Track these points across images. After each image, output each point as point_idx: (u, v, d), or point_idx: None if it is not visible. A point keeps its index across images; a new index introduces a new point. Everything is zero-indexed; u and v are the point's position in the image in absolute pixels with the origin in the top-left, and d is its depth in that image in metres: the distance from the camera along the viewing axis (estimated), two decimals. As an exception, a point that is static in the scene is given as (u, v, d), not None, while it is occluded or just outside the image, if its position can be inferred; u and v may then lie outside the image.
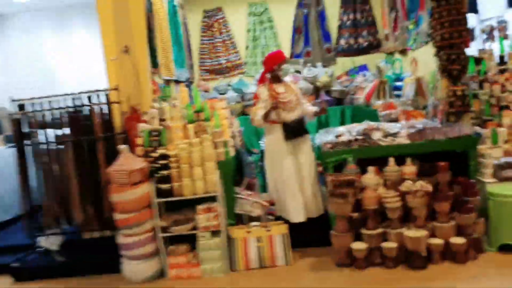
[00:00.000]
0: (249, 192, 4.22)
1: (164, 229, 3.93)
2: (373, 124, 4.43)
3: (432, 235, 3.68)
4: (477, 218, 3.76)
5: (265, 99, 4.20)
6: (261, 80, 4.38)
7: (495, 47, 5.52)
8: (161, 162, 3.88)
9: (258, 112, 4.21)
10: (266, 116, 4.17)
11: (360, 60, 6.93)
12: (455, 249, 3.61)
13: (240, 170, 4.60)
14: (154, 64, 5.03)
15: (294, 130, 4.13)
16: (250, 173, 4.62)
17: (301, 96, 4.33)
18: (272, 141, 4.25)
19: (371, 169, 3.86)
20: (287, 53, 7.03)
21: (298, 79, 6.39)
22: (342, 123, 6.04)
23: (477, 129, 4.38)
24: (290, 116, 4.17)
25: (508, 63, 4.72)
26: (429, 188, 3.69)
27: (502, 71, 4.66)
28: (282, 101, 4.15)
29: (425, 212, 3.70)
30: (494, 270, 3.48)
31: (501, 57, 4.84)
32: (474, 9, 6.37)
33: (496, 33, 6.56)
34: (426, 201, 3.68)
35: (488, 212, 3.82)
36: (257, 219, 4.07)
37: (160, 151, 3.92)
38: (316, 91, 6.51)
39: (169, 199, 3.93)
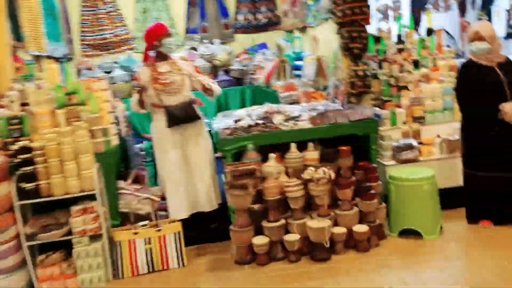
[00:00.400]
0: (137, 187, 3.69)
1: (31, 237, 3.26)
2: (274, 106, 4.11)
3: (335, 223, 3.49)
4: (379, 204, 3.64)
5: (145, 80, 3.65)
6: (145, 59, 3.81)
7: (391, 26, 5.49)
8: (23, 156, 3.18)
9: (135, 96, 3.66)
10: (141, 102, 3.64)
11: (259, 37, 6.59)
12: (358, 237, 3.45)
13: (127, 161, 4.02)
14: (18, 37, 4.20)
15: (178, 116, 3.60)
16: (138, 164, 4.07)
17: (194, 74, 3.80)
18: (157, 128, 3.73)
19: (272, 156, 3.53)
20: (181, 27, 6.46)
21: (194, 57, 5.88)
22: (243, 105, 5.69)
23: (377, 110, 4.27)
24: (174, 99, 3.64)
25: (406, 42, 4.67)
26: (332, 174, 3.47)
27: (400, 51, 4.59)
28: (163, 82, 3.62)
29: (328, 200, 3.48)
30: (397, 257, 3.37)
31: (399, 36, 4.78)
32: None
33: (390, 13, 6.63)
34: (329, 189, 3.46)
35: (389, 196, 3.72)
36: (146, 217, 3.56)
37: (22, 142, 3.22)
38: (214, 70, 6.05)
39: (36, 200, 3.25)
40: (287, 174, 3.56)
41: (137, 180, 3.76)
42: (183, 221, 3.60)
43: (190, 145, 3.73)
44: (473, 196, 3.71)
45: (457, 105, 3.87)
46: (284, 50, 5.26)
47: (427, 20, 5.55)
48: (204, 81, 3.76)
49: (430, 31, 4.94)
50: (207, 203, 3.77)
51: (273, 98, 4.84)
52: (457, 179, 3.94)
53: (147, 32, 3.76)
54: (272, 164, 3.48)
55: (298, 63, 5.41)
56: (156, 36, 3.65)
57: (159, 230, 3.44)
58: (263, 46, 6.38)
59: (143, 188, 3.72)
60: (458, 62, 4.63)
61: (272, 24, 6.57)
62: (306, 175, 3.47)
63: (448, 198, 3.90)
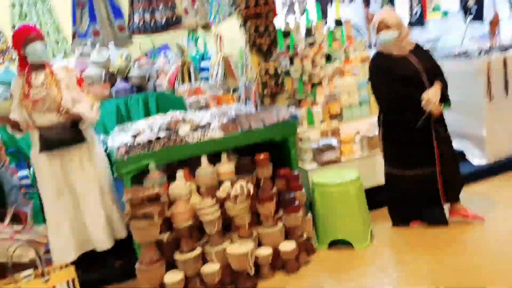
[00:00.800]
0: (17, 228, 3.00)
1: None
2: (179, 115, 3.60)
3: (259, 244, 3.08)
4: (305, 215, 3.28)
5: (17, 95, 2.99)
6: (20, 68, 3.11)
7: (299, 19, 5.22)
8: None
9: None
10: (12, 124, 2.99)
11: (160, 39, 6.00)
12: (285, 256, 3.06)
13: (2, 197, 3.28)
14: None
15: (51, 139, 2.95)
16: (19, 199, 3.35)
17: (77, 91, 3.15)
18: (34, 154, 3.08)
19: (180, 174, 3.03)
20: (69, 32, 5.68)
21: (85, 64, 5.16)
22: (147, 114, 5.09)
23: (293, 110, 3.94)
24: (49, 118, 2.98)
25: (315, 35, 4.38)
26: (251, 188, 3.05)
27: (310, 45, 4.30)
28: (34, 98, 2.95)
29: (249, 218, 3.05)
30: (329, 274, 3.03)
31: (308, 30, 4.49)
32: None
33: (296, 6, 6.37)
34: (249, 205, 3.03)
35: (314, 205, 3.39)
36: (30, 265, 2.88)
37: None
38: (110, 78, 5.37)
39: None
40: (200, 193, 3.08)
41: (16, 219, 3.06)
42: (79, 262, 2.98)
43: (74, 172, 3.08)
44: (397, 196, 3.48)
45: (374, 100, 3.61)
46: (186, 51, 4.75)
47: (334, 11, 5.35)
48: (74, 108, 3.03)
49: (338, 22, 4.72)
50: (101, 240, 3.15)
51: (180, 104, 4.34)
52: (380, 178, 3.72)
53: (12, 37, 3.08)
54: (180, 184, 2.98)
55: (203, 64, 4.95)
56: (19, 42, 2.98)
57: (47, 280, 2.78)
58: (165, 48, 5.82)
59: (25, 228, 3.04)
60: (370, 53, 4.45)
61: (172, 23, 5.98)
62: (221, 192, 3.01)
63: (374, 198, 3.67)
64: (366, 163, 3.88)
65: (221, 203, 3.00)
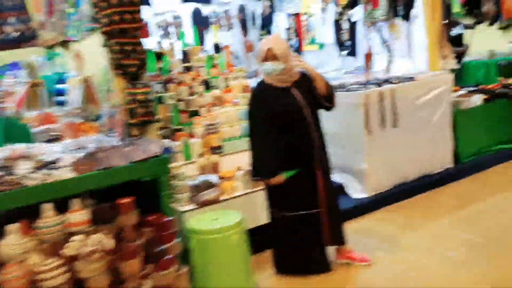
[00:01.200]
0: None
1: None
2: (20, 148, 2.87)
3: (122, 310, 2.48)
4: (178, 269, 2.76)
5: None
6: None
7: (174, 42, 4.80)
8: None
9: None
10: None
11: (9, 55, 5.10)
12: (155, 323, 2.50)
13: None
14: None
15: None
16: None
17: None
18: None
19: (12, 228, 2.31)
20: None
21: None
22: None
23: (167, 143, 3.44)
24: None
25: (192, 60, 3.98)
26: (109, 242, 2.46)
27: (187, 69, 3.87)
28: None
29: (108, 279, 2.45)
30: None
31: (184, 53, 4.07)
32: (146, 1, 5.55)
33: (171, 29, 5.99)
34: (107, 263, 2.43)
35: (191, 254, 2.89)
36: None
37: None
38: None
39: None
40: (41, 251, 2.39)
41: None
42: None
43: None
44: (280, 241, 3.16)
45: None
46: (37, 70, 4.01)
47: (213, 36, 5.05)
48: None
49: (217, 48, 4.39)
50: None
51: (25, 134, 3.56)
52: (264, 217, 3.38)
53: None
54: (12, 241, 2.26)
55: (61, 86, 4.23)
56: None
57: None
58: (15, 66, 4.95)
59: None
60: (250, 82, 4.19)
61: (26, 38, 5.14)
62: (69, 249, 2.37)
63: (256, 240, 3.29)
64: (248, 201, 3.53)
65: (70, 262, 2.35)
